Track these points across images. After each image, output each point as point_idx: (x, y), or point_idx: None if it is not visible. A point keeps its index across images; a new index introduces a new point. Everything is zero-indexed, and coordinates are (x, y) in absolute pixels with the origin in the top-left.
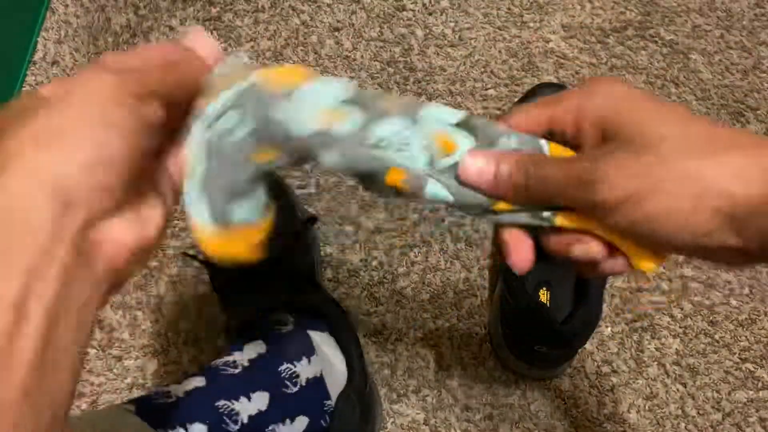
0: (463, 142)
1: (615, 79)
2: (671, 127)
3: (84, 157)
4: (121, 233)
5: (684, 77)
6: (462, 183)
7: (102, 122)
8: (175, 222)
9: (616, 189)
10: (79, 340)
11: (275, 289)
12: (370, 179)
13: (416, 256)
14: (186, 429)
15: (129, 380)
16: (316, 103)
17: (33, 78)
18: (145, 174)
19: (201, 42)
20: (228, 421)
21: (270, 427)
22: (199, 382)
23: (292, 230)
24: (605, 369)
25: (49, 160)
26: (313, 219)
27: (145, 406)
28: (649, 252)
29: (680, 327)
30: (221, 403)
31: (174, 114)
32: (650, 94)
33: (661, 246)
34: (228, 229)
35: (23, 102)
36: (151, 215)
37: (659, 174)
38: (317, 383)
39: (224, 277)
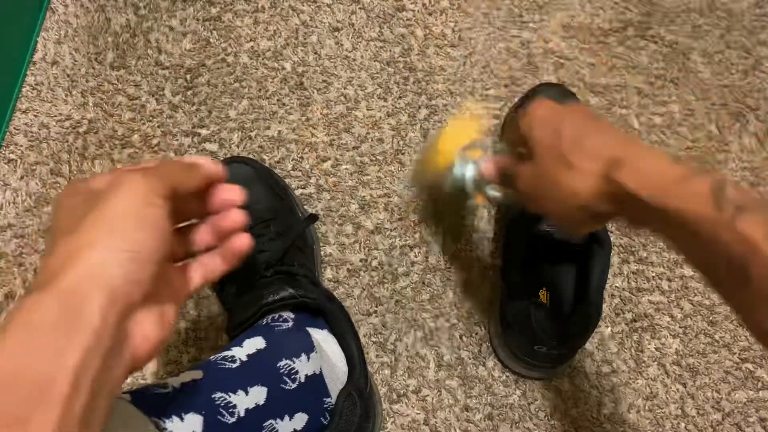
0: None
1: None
2: (552, 143)
3: (123, 256)
4: (148, 329)
5: (684, 77)
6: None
7: (136, 222)
8: None
9: (522, 185)
10: (107, 411)
11: (275, 288)
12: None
13: (416, 256)
14: (181, 419)
15: (129, 380)
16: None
17: (33, 78)
18: (165, 270)
19: (201, 159)
20: (224, 413)
21: (267, 422)
22: (196, 374)
23: (292, 230)
24: (605, 369)
25: (99, 260)
26: (313, 217)
27: (140, 396)
28: None
29: (680, 327)
30: (218, 395)
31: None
32: (559, 110)
33: (547, 213)
34: None
35: (81, 197)
36: (167, 312)
37: (537, 182)
38: (316, 380)
39: (224, 276)
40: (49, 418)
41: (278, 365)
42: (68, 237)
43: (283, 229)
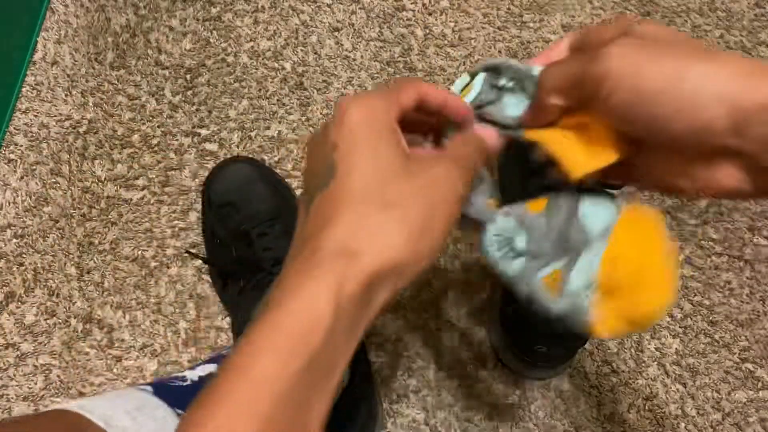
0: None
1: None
2: (686, 36)
3: (418, 258)
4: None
5: None
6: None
7: (439, 225)
8: (175, 222)
9: (621, 59)
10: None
11: None
12: None
13: None
14: None
15: (129, 380)
16: None
17: (33, 78)
18: None
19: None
20: None
21: None
22: (211, 368)
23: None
24: (605, 369)
25: (399, 255)
26: None
27: (161, 389)
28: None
29: (680, 327)
30: None
31: None
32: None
33: (655, 131)
34: None
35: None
36: None
37: (665, 53)
38: None
39: (225, 275)
40: (324, 404)
41: None
42: (374, 208)
43: (287, 227)
